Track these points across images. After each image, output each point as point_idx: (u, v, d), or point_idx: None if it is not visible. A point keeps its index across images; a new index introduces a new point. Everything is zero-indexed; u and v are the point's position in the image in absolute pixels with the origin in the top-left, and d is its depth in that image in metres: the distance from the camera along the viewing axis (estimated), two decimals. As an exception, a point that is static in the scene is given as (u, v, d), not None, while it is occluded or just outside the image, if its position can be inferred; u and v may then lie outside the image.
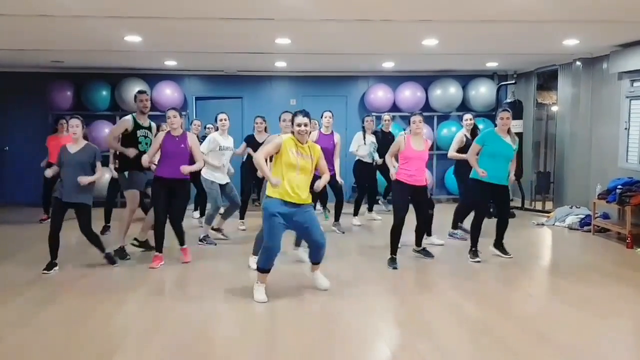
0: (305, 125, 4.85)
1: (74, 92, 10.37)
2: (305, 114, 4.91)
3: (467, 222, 6.86)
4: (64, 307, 4.75)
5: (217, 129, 7.50)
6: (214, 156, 7.05)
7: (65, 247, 6.05)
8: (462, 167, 7.16)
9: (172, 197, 6.03)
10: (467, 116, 7.71)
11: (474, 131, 7.57)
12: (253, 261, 5.71)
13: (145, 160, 6.09)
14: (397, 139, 6.28)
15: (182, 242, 6.25)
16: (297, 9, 5.52)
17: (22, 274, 5.74)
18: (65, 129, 8.78)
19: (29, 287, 5.31)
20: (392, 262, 6.06)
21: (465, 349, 3.90)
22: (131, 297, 5.01)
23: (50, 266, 5.82)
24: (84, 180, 5.60)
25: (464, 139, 7.46)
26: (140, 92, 6.52)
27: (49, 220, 8.52)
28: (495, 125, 6.41)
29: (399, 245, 6.17)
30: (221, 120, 7.23)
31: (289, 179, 4.77)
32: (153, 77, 10.49)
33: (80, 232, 5.89)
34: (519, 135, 9.46)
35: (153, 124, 6.69)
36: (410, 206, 6.15)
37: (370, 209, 9.05)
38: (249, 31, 6.71)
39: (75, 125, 5.74)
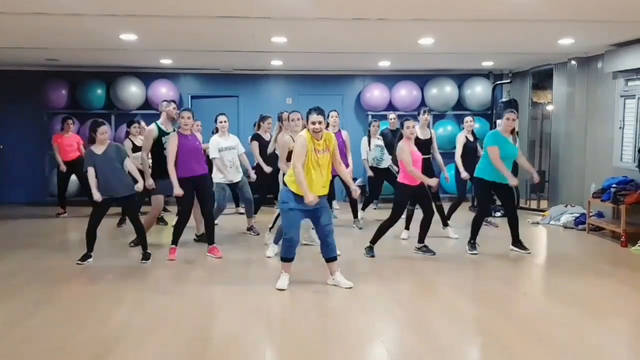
0: (320, 123, 4.94)
1: (69, 91, 10.33)
2: (320, 112, 4.98)
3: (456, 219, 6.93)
4: (62, 306, 4.75)
5: (216, 130, 7.56)
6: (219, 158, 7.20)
7: (63, 245, 6.06)
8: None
9: (199, 194, 6.26)
10: (468, 118, 7.89)
11: (473, 132, 7.65)
12: (271, 250, 6.24)
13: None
14: (402, 147, 6.18)
15: (211, 240, 6.39)
16: (293, 7, 5.51)
17: (20, 273, 5.73)
18: (72, 129, 9.11)
19: (27, 285, 5.30)
20: (369, 250, 6.40)
21: (462, 348, 3.92)
22: (130, 296, 5.00)
23: (85, 257, 6.06)
24: (140, 187, 6.08)
25: (465, 140, 7.74)
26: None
27: (65, 214, 8.87)
28: (492, 126, 6.50)
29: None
30: (220, 122, 7.36)
31: (310, 178, 4.93)
32: (148, 76, 10.45)
33: (80, 230, 5.94)
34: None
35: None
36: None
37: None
38: (245, 30, 6.70)
39: (105, 131, 5.98)
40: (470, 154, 7.50)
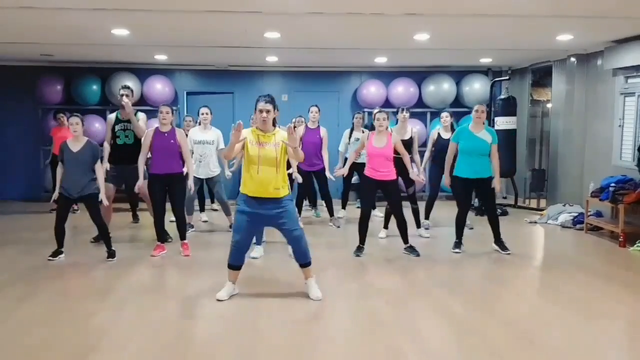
0: (268, 112, 4.54)
1: (64, 86, 10.25)
2: (268, 100, 4.56)
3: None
4: (44, 305, 4.65)
5: (199, 123, 7.53)
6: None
7: (53, 241, 6.02)
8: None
9: (169, 192, 6.18)
10: (443, 114, 7.75)
11: (453, 130, 7.52)
12: (256, 251, 6.09)
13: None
14: (362, 137, 6.40)
15: (182, 237, 6.37)
16: (284, 1, 5.42)
17: (6, 269, 5.66)
18: (66, 120, 8.94)
19: (11, 283, 5.22)
20: (357, 250, 6.33)
21: (450, 350, 3.82)
22: (114, 295, 4.91)
23: (56, 253, 6.03)
24: (104, 201, 6.03)
25: (436, 136, 7.63)
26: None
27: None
28: (489, 123, 6.43)
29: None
30: (202, 114, 7.43)
31: (251, 174, 4.56)
32: (143, 72, 10.36)
33: (72, 226, 5.94)
34: (512, 132, 9.41)
35: (140, 115, 6.81)
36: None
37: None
38: (237, 25, 6.61)
39: (75, 123, 5.92)
40: (443, 150, 7.26)
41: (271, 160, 4.54)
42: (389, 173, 6.14)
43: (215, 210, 9.23)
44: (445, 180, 6.52)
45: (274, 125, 4.68)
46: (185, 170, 6.31)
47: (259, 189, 4.56)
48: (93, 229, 6.78)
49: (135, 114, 6.73)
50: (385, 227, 7.23)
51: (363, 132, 8.22)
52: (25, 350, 3.75)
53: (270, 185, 4.55)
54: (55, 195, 6.01)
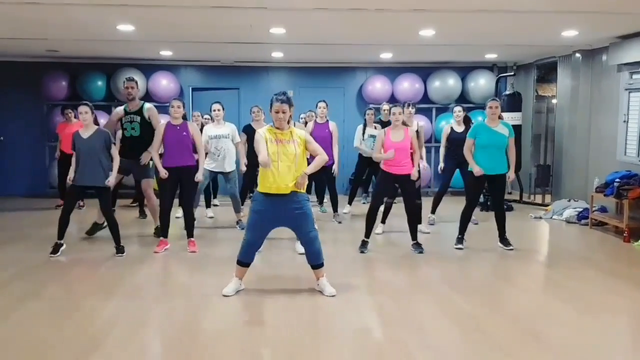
0: (284, 112, 4.53)
1: (69, 82, 10.28)
2: (284, 100, 4.54)
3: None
4: (49, 301, 4.67)
5: (212, 119, 7.55)
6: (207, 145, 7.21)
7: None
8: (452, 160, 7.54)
9: (181, 186, 6.20)
10: (457, 108, 7.75)
11: (467, 123, 7.50)
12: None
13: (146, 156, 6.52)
14: (379, 134, 6.37)
15: (190, 234, 6.35)
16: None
17: (10, 266, 5.68)
18: (73, 116, 9.00)
19: (15, 280, 5.24)
20: (362, 245, 6.31)
21: (455, 345, 3.83)
22: (119, 291, 4.93)
23: (56, 248, 6.01)
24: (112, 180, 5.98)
25: (449, 131, 7.61)
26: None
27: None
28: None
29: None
30: (214, 110, 7.40)
31: (271, 171, 4.53)
32: (149, 68, 10.40)
33: (77, 222, 5.95)
34: (518, 127, 9.38)
35: (146, 105, 6.80)
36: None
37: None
38: (242, 20, 6.61)
39: (84, 111, 5.98)
40: (456, 144, 7.24)
41: (291, 155, 4.55)
42: (407, 167, 6.14)
43: (216, 205, 9.24)
44: (475, 169, 6.25)
45: (288, 122, 4.68)
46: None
47: (278, 186, 4.54)
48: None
49: (142, 106, 6.74)
50: (383, 221, 7.23)
51: (375, 127, 8.20)
52: (29, 347, 3.75)
53: (290, 181, 4.55)
54: (70, 178, 6.01)
